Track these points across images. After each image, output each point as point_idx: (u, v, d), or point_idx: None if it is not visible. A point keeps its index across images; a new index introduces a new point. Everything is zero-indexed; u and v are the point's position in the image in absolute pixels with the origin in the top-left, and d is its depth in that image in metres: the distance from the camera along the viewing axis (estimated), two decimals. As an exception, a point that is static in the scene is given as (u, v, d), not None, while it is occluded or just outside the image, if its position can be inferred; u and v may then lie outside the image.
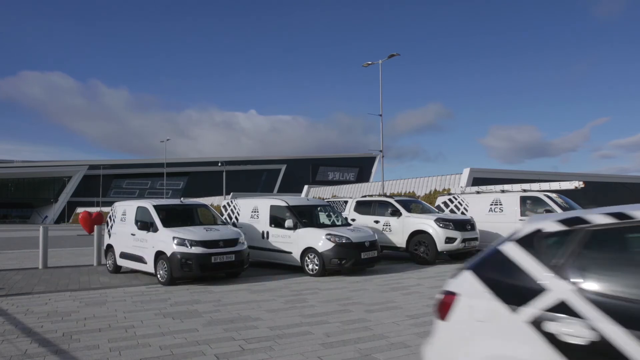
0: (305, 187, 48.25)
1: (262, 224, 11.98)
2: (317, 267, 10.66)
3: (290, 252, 11.25)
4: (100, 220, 34.93)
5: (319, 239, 10.71)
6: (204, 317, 6.64)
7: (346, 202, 15.22)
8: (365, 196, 15.21)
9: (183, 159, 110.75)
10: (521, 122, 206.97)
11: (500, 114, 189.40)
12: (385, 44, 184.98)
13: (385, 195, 14.95)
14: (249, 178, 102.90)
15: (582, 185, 13.99)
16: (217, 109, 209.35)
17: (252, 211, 12.37)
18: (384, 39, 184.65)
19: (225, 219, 12.81)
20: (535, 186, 14.99)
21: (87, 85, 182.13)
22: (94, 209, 63.95)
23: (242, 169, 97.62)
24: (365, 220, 14.19)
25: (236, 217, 12.81)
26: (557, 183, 14.71)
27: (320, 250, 10.59)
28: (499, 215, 14.47)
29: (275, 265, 12.54)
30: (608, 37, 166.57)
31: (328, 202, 15.87)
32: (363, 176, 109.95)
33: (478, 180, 29.29)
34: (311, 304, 7.46)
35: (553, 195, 13.92)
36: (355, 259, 10.62)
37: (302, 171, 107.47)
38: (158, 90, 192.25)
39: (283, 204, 11.75)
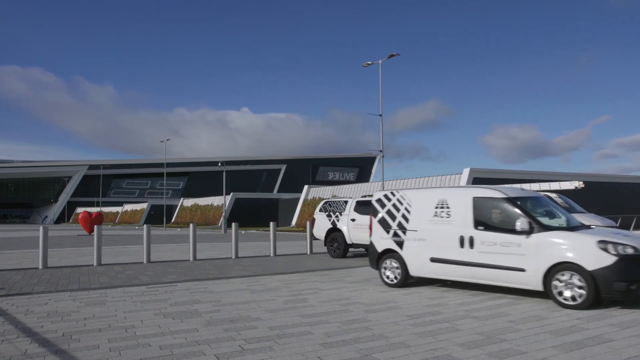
0: (305, 187, 48.21)
1: (460, 225, 8.25)
2: (581, 294, 6.90)
3: (523, 270, 7.49)
4: (100, 220, 34.87)
5: (586, 249, 6.99)
6: (204, 317, 6.64)
7: (346, 202, 15.28)
8: (365, 196, 15.26)
9: (183, 159, 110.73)
10: (523, 121, 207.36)
11: (502, 113, 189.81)
12: (385, 44, 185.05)
13: None
14: (249, 178, 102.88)
15: (582, 186, 14.00)
16: (208, 107, 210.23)
17: (438, 206, 8.68)
18: (384, 39, 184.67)
19: (383, 217, 9.52)
20: (535, 186, 15.00)
21: (72, 83, 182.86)
22: (94, 209, 63.99)
23: (242, 169, 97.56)
24: (366, 221, 14.22)
25: (403, 216, 9.15)
26: (557, 183, 14.73)
27: (590, 267, 6.84)
28: (499, 215, 14.44)
29: (277, 265, 12.52)
30: (610, 34, 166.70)
31: (326, 201, 15.96)
32: (363, 176, 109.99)
33: (478, 180, 29.31)
34: (311, 304, 7.46)
35: (553, 195, 13.93)
36: None
37: (302, 171, 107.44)
38: (148, 89, 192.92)
39: (499, 194, 8.14)
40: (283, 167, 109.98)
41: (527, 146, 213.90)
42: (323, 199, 21.80)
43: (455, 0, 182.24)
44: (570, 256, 7.02)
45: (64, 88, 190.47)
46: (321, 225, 15.71)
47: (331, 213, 15.43)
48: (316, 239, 16.18)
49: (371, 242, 9.76)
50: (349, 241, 14.74)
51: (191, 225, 14.85)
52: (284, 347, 5.13)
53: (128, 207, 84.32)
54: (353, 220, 14.63)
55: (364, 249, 15.93)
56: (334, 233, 15.21)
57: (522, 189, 9.05)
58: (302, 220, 44.03)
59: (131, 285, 9.63)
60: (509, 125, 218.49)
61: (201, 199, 67.06)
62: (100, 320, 6.47)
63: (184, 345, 5.24)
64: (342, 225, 14.92)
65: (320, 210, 15.95)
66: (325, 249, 16.54)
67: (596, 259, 6.84)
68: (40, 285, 9.66)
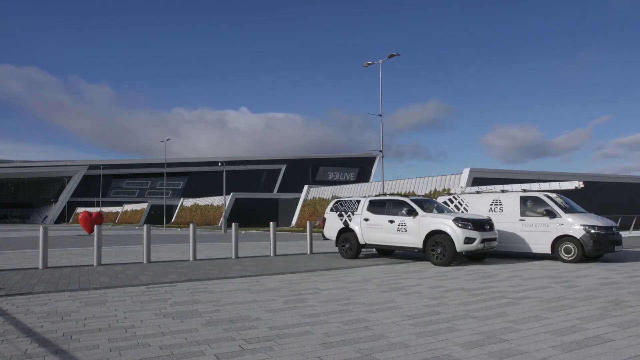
0: (305, 187, 48.21)
1: None
2: None
3: None
4: (100, 220, 34.85)
5: None
6: (204, 317, 6.64)
7: (358, 201, 15.07)
8: (379, 195, 15.03)
9: (183, 159, 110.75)
10: (523, 121, 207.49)
11: (502, 113, 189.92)
12: (385, 44, 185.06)
13: (400, 195, 14.80)
14: (249, 178, 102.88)
15: (582, 186, 13.99)
16: (207, 107, 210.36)
17: None
18: (384, 39, 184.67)
19: None
20: (535, 186, 14.98)
21: (68, 83, 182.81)
22: (94, 209, 64.02)
23: (242, 169, 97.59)
24: (380, 220, 14.08)
25: None
26: (557, 183, 14.71)
27: None
28: (499, 215, 14.47)
29: (277, 265, 12.50)
30: (610, 34, 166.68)
31: (338, 200, 15.85)
32: (363, 176, 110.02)
33: (478, 180, 29.32)
34: (311, 304, 7.46)
35: (553, 195, 13.93)
36: None
37: (302, 171, 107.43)
38: (146, 89, 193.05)
39: None
40: (283, 167, 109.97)
41: (527, 146, 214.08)
42: (324, 199, 21.82)
43: (455, 0, 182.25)
44: None
45: (61, 88, 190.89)
46: (332, 225, 15.45)
47: (343, 213, 15.30)
48: (327, 239, 15.90)
49: None
50: (361, 241, 14.47)
51: (191, 225, 14.85)
52: (284, 347, 5.13)
53: (128, 207, 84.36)
54: (366, 220, 14.40)
55: (375, 250, 15.87)
56: (345, 233, 14.92)
57: None
58: (302, 220, 44.03)
59: (131, 285, 9.63)
60: (509, 125, 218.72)
61: (201, 199, 67.07)
62: (100, 320, 6.47)
63: (184, 345, 5.24)
64: (355, 225, 14.65)
65: (332, 210, 15.74)
66: (325, 249, 16.55)
67: None
68: (40, 285, 9.66)
